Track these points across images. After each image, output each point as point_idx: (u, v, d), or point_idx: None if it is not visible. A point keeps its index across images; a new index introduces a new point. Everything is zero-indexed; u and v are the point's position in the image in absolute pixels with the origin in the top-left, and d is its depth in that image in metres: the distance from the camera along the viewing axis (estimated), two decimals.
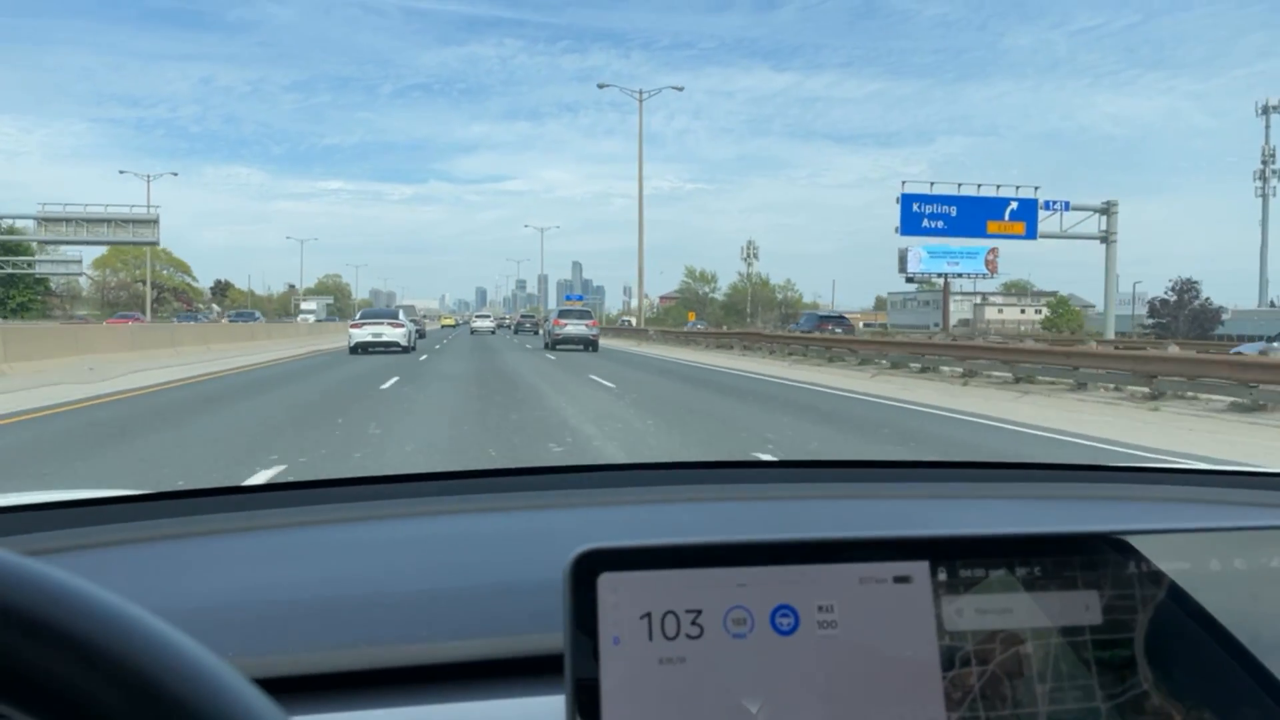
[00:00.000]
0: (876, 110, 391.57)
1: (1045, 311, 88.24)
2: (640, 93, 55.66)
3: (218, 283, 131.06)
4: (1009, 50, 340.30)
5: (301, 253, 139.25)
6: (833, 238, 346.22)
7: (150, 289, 78.67)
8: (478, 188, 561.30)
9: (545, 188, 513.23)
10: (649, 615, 0.49)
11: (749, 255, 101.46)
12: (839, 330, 38.83)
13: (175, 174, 76.27)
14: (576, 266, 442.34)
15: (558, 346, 32.50)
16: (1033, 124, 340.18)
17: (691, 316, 74.39)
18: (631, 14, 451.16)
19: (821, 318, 47.80)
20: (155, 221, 57.90)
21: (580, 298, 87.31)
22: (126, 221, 57.76)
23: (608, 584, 0.49)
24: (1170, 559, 0.56)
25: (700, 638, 0.50)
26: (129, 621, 0.36)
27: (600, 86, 59.53)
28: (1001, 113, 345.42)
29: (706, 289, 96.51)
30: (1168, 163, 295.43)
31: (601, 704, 0.48)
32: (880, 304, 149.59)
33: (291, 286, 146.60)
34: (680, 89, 73.35)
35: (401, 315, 29.69)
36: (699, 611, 0.50)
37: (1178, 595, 0.56)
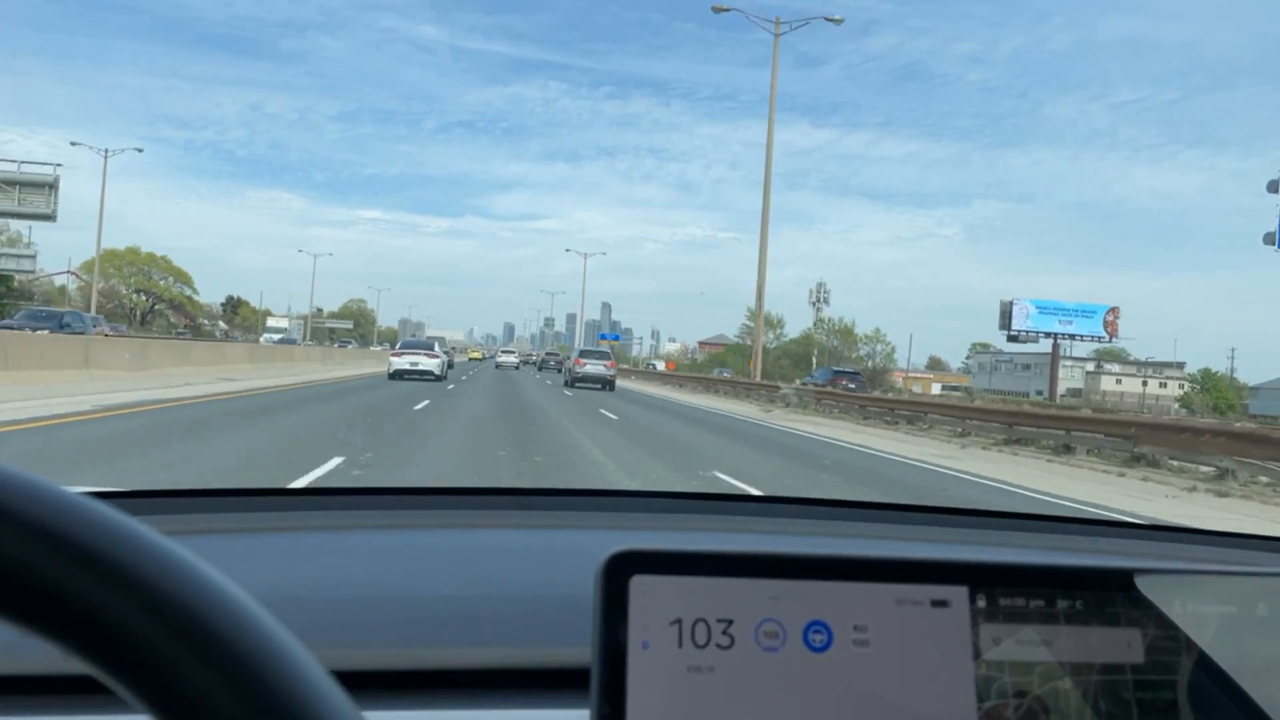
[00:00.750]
0: (913, 170, 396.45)
1: (1183, 385, 79.71)
2: (777, 21, 45.24)
3: (229, 299, 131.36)
4: (1048, 119, 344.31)
5: (314, 269, 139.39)
6: (864, 294, 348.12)
7: (142, 299, 72.92)
8: (512, 225, 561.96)
9: (578, 228, 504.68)
10: (679, 622, 0.49)
11: (818, 299, 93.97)
12: (852, 386, 40.36)
13: (140, 150, 68.07)
14: (606, 308, 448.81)
15: (577, 384, 34.57)
16: (1069, 192, 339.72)
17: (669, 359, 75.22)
18: (675, 63, 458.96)
19: (836, 372, 50.10)
20: (52, 186, 42.84)
21: (615, 337, 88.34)
22: (11, 184, 42.16)
23: (639, 587, 0.49)
24: (1217, 601, 0.55)
25: (731, 648, 0.49)
26: (226, 595, 0.37)
27: (716, 10, 41.73)
28: (1038, 180, 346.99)
29: (772, 335, 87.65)
30: (1205, 240, 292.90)
31: (627, 708, 0.48)
32: (935, 363, 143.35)
33: (320, 310, 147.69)
34: (839, 20, 45.94)
35: (436, 347, 33.28)
36: (730, 621, 0.50)
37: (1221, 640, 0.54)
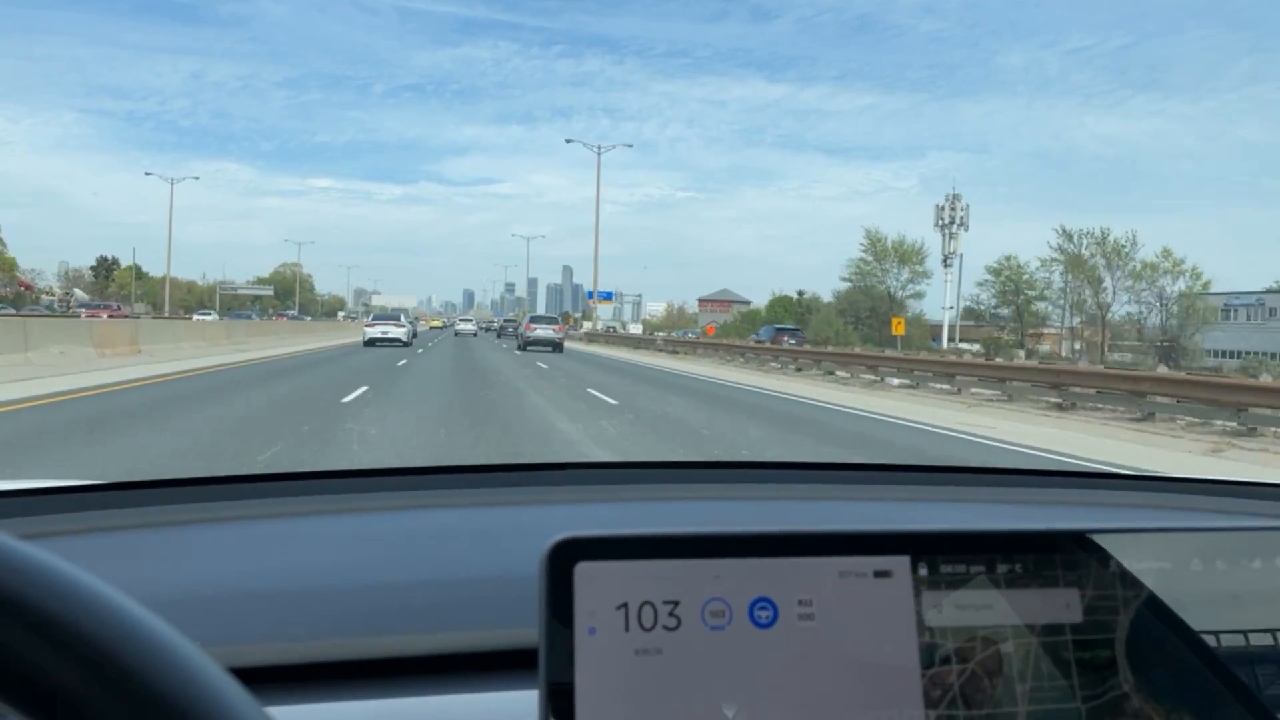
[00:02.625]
0: (868, 124, 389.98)
1: None
2: (599, 148, 64.24)
3: (101, 261, 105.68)
4: (1001, 68, 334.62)
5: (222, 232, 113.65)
6: (823, 250, 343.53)
7: None
8: (468, 190, 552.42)
9: (536, 192, 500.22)
10: (626, 606, 0.49)
11: (952, 220, 66.65)
12: (793, 341, 42.99)
13: (197, 178, 58.49)
14: (567, 271, 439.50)
15: (528, 347, 38.61)
16: (1023, 141, 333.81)
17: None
18: (627, 20, 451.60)
19: (778, 329, 52.42)
20: None
21: (608, 295, 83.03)
22: None
23: (584, 573, 0.49)
24: (1153, 559, 0.56)
25: (678, 629, 0.50)
26: (99, 600, 0.36)
27: (568, 141, 66.07)
28: (992, 130, 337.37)
29: (907, 273, 68.36)
30: (1156, 184, 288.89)
31: (576, 695, 0.48)
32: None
33: (259, 279, 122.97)
34: (630, 146, 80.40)
35: (403, 318, 42.27)
36: (676, 603, 0.50)
37: (1155, 598, 0.56)
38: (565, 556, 0.49)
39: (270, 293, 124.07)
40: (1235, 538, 0.58)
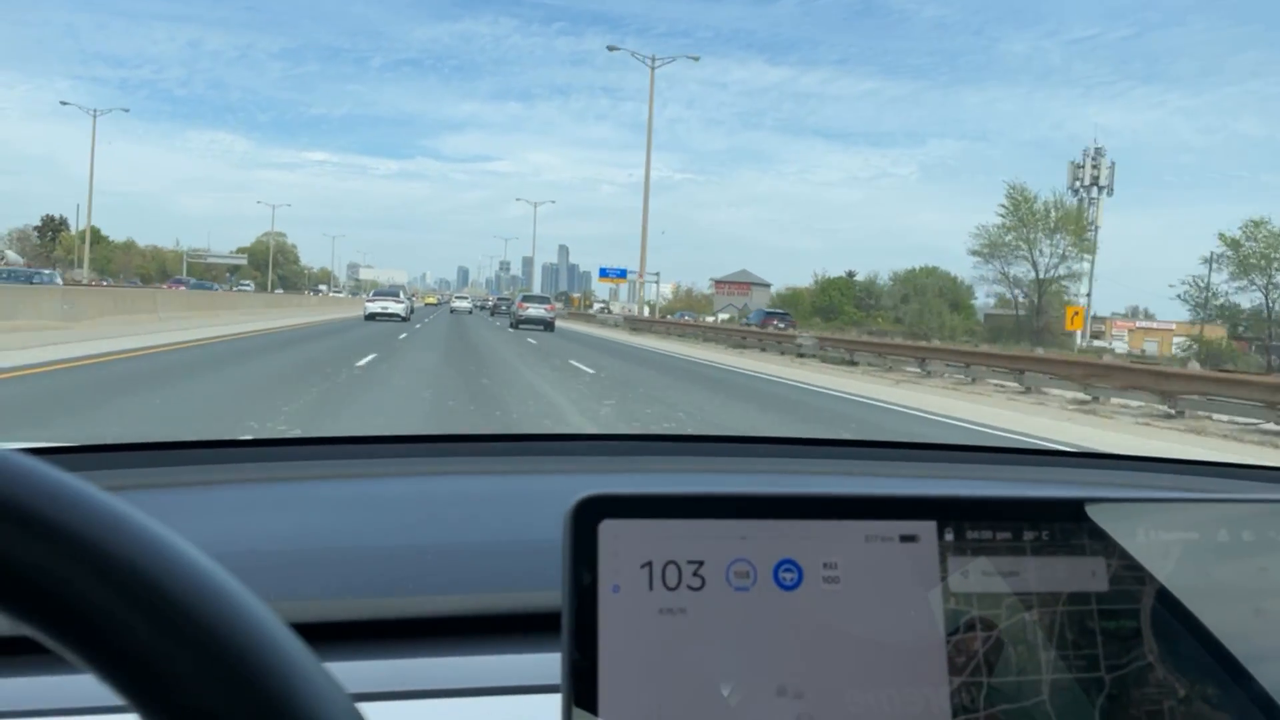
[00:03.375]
0: (869, 109, 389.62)
1: None
2: (653, 60, 55.75)
3: (47, 220, 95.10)
4: (1003, 56, 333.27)
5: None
6: (821, 234, 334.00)
7: None
8: (465, 167, 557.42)
9: (533, 170, 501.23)
10: (650, 565, 0.49)
11: (1093, 182, 53.13)
12: (782, 326, 42.88)
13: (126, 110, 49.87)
14: (563, 250, 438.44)
15: (520, 326, 39.52)
16: (1024, 131, 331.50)
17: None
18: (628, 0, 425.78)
19: (767, 314, 53.93)
20: None
21: (622, 273, 75.18)
22: None
23: (609, 531, 0.49)
24: (1179, 529, 0.57)
25: (702, 589, 0.49)
26: (170, 548, 0.36)
27: (611, 49, 57.02)
28: (993, 118, 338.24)
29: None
30: (1154, 176, 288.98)
31: (599, 652, 0.48)
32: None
33: (241, 249, 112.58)
34: (697, 58, 77.69)
35: (401, 294, 44.49)
36: (701, 563, 0.50)
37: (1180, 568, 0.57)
38: (590, 514, 0.49)
39: (244, 262, 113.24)
40: (1266, 509, 0.59)
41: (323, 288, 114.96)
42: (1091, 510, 0.56)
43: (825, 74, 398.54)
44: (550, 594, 0.52)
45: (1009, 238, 53.59)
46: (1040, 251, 52.00)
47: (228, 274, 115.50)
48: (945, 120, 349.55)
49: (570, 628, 0.48)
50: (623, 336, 37.73)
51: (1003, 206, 53.38)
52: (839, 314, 65.27)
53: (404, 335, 26.77)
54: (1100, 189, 53.11)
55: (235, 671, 0.35)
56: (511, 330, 36.81)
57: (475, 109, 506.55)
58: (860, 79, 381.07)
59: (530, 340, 27.79)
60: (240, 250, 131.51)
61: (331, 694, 0.38)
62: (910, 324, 46.37)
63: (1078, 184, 54.18)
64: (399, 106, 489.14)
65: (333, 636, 0.79)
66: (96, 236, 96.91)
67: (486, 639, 0.82)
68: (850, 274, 73.01)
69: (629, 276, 79.88)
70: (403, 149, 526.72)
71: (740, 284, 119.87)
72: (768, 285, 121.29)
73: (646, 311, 56.20)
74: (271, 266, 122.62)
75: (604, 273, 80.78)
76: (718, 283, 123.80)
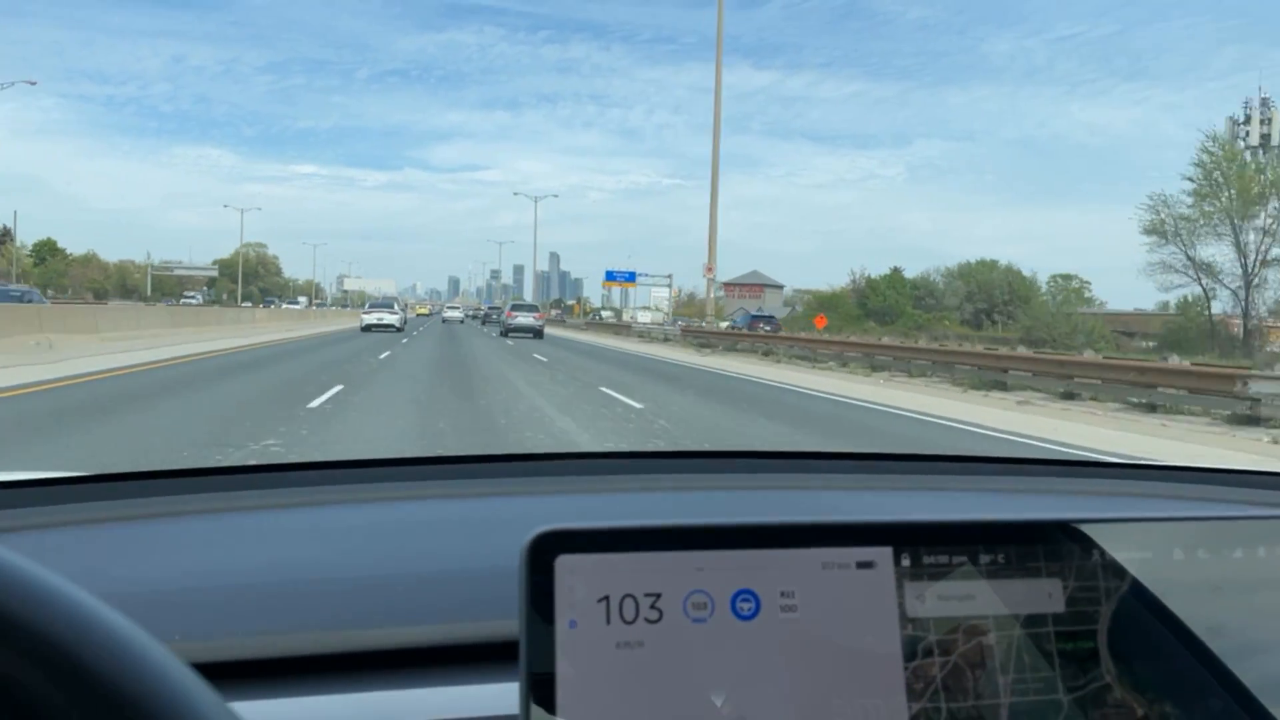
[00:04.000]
0: (855, 111, 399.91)
1: None
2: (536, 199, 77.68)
3: None
4: (987, 56, 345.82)
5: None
6: (811, 237, 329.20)
7: None
8: (453, 176, 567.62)
9: (521, 179, 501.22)
10: (607, 599, 0.49)
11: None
12: (767, 328, 44.37)
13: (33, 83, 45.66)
14: (554, 258, 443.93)
15: (510, 334, 41.05)
16: (1009, 129, 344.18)
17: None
18: (613, 6, 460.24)
19: (754, 317, 56.42)
20: None
21: (630, 276, 70.82)
22: None
23: (565, 566, 0.49)
24: (1134, 549, 0.57)
25: (659, 622, 0.50)
26: (54, 596, 0.36)
27: (515, 194, 75.45)
28: (978, 118, 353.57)
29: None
30: (1138, 173, 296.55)
31: (557, 688, 0.48)
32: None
33: (220, 261, 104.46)
34: (556, 196, 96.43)
35: (395, 306, 47.19)
36: (658, 595, 0.50)
37: (1139, 587, 0.57)
38: (546, 549, 0.49)
39: (215, 274, 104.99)
40: (1219, 526, 0.59)
41: (274, 300, 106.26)
42: (1049, 532, 0.56)
43: (811, 77, 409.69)
44: (511, 622, 0.52)
45: (1202, 210, 37.90)
46: (1247, 227, 36.82)
47: (205, 287, 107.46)
48: (931, 121, 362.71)
49: (527, 664, 0.48)
50: (706, 361, 27.26)
51: (1199, 164, 38.60)
52: (899, 316, 57.61)
53: (385, 354, 23.60)
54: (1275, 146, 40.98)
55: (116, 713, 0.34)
56: (499, 339, 37.74)
57: (462, 118, 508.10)
58: (846, 81, 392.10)
59: (557, 384, 16.82)
60: (217, 262, 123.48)
61: None
62: (1027, 328, 38.52)
63: (1239, 139, 43.93)
64: (386, 118, 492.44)
65: (299, 670, 0.78)
66: (52, 249, 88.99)
67: (448, 669, 0.82)
68: (896, 270, 65.32)
69: (639, 280, 72.45)
70: (391, 160, 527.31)
71: (752, 285, 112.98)
72: (780, 286, 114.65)
73: (712, 321, 47.27)
74: (241, 279, 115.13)
75: (611, 275, 73.38)
76: (727, 285, 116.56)
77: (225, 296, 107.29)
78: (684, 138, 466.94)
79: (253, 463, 3.57)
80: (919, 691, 0.53)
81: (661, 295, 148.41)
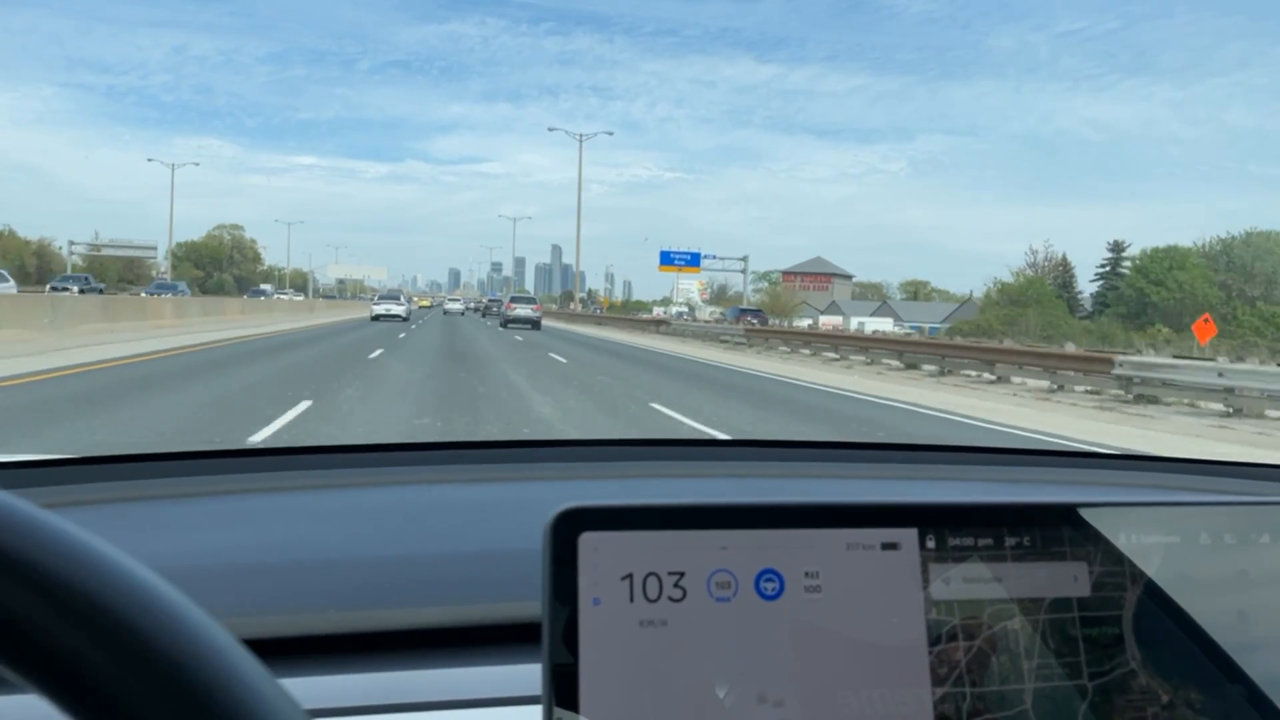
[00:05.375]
0: (858, 105, 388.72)
1: None
2: (580, 136, 66.97)
3: None
4: (991, 50, 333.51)
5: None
6: (813, 232, 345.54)
7: None
8: (455, 169, 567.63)
9: (523, 171, 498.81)
10: (630, 577, 0.49)
11: None
12: (755, 322, 44.99)
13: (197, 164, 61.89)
14: (556, 250, 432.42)
15: (509, 325, 43.11)
16: (1012, 124, 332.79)
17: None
18: None
19: (742, 311, 56.85)
20: None
21: (695, 260, 58.53)
22: None
23: (589, 543, 0.49)
24: (1162, 532, 0.57)
25: (683, 600, 0.49)
26: (114, 566, 0.36)
27: (550, 129, 78.34)
28: (982, 113, 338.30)
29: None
30: (1143, 169, 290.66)
31: (580, 665, 0.48)
32: None
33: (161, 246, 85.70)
34: (611, 133, 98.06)
35: (401, 297, 54.39)
36: (682, 574, 0.50)
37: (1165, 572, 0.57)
38: (569, 527, 0.49)
39: (154, 255, 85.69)
40: (1245, 512, 0.59)
41: (264, 291, 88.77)
42: (1074, 515, 0.56)
43: (814, 71, 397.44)
44: (533, 604, 0.53)
45: None
46: None
47: (157, 274, 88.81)
48: (934, 115, 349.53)
49: (551, 642, 0.48)
50: (884, 391, 17.56)
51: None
52: (1198, 308, 39.86)
53: (378, 353, 21.34)
54: None
55: (183, 690, 0.35)
56: (499, 329, 38.63)
57: (464, 111, 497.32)
58: (849, 75, 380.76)
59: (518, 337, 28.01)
60: (183, 245, 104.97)
61: (286, 711, 0.37)
62: None
63: None
64: (387, 109, 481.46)
65: (316, 650, 0.79)
66: None
67: (471, 650, 0.82)
68: (1118, 244, 47.26)
69: (704, 263, 54.53)
70: (392, 152, 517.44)
71: (817, 276, 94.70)
72: (849, 276, 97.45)
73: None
74: (265, 270, 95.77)
75: (667, 259, 55.49)
76: (787, 274, 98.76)
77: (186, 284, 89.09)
78: (686, 131, 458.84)
79: (274, 445, 3.50)
80: (943, 676, 0.52)
81: (687, 286, 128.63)
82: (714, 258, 56.49)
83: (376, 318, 46.27)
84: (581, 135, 65.84)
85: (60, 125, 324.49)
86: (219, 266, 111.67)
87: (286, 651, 0.77)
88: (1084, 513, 0.56)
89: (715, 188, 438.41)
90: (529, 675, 0.55)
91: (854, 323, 66.20)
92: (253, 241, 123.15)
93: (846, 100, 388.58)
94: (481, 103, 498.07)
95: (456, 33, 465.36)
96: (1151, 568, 0.56)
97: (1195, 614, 0.56)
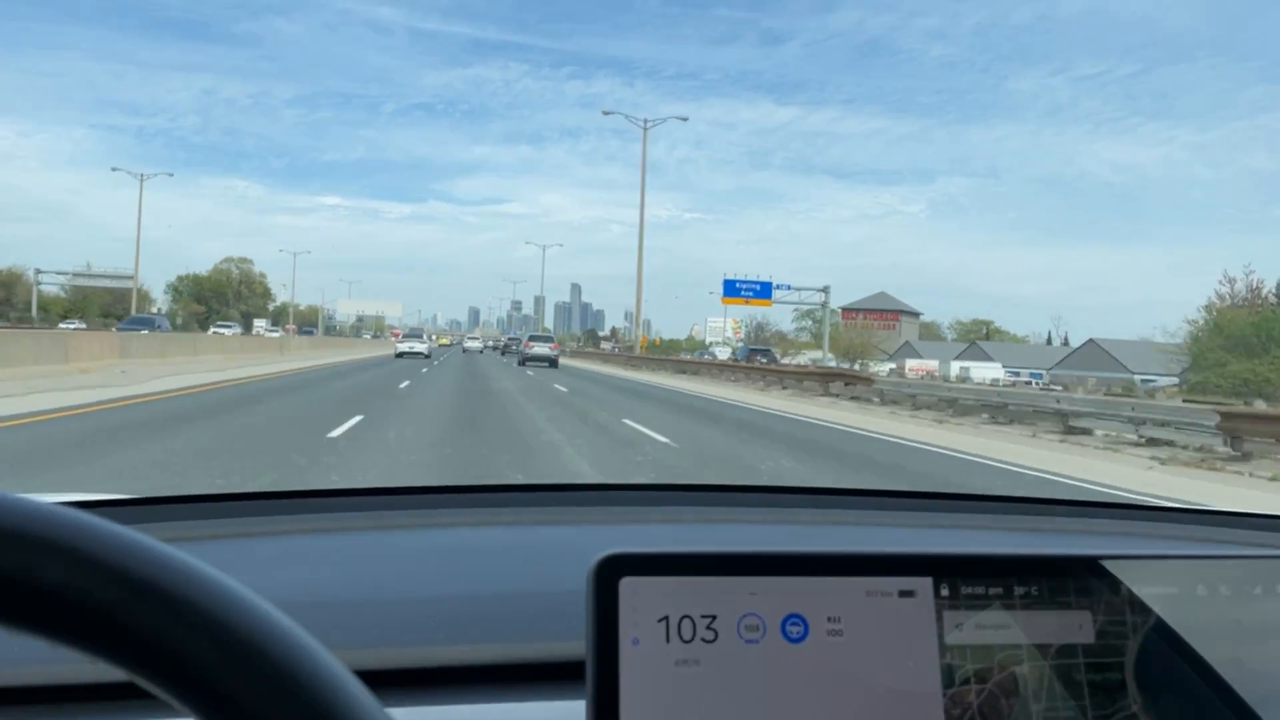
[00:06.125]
0: (878, 147, 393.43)
1: None
2: (645, 121, 57.89)
3: None
4: (1011, 93, 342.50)
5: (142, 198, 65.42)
6: (827, 274, 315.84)
7: None
8: (476, 209, 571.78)
9: (543, 212, 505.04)
10: (666, 619, 0.52)
11: None
12: (764, 360, 45.81)
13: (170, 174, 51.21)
14: (575, 289, 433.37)
15: (527, 363, 44.39)
16: (1032, 167, 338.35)
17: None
18: (637, 43, 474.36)
19: (753, 350, 56.86)
20: None
21: (551, 339, 54.82)
22: None
23: (629, 587, 0.52)
24: (1160, 584, 0.60)
25: (715, 642, 0.53)
26: (244, 601, 0.39)
27: (605, 113, 64.47)
28: (1001, 155, 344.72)
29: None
30: (1164, 212, 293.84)
31: (620, 701, 0.51)
32: None
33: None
34: (685, 119, 73.28)
35: (424, 336, 57.71)
36: (714, 617, 0.53)
37: (1163, 622, 0.60)
38: (611, 572, 0.52)
39: (130, 286, 76.37)
40: (1241, 565, 0.62)
41: (261, 325, 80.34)
42: (1079, 567, 0.58)
43: (833, 113, 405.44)
44: (574, 643, 0.55)
45: None
46: None
47: (154, 310, 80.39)
48: (954, 158, 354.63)
49: (594, 680, 0.51)
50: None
51: None
52: None
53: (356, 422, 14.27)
54: None
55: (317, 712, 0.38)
56: (516, 367, 40.02)
57: (486, 152, 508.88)
58: (868, 118, 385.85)
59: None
60: (184, 278, 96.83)
61: None
62: None
63: None
64: (411, 151, 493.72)
65: (369, 685, 0.87)
66: None
67: (515, 687, 0.85)
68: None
69: (776, 294, 45.27)
70: (415, 192, 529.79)
71: (883, 313, 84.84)
72: (917, 314, 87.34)
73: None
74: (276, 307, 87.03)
75: (732, 290, 46.16)
76: (848, 311, 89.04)
77: (182, 320, 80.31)
78: (705, 172, 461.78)
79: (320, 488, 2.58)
80: (956, 718, 0.55)
81: (718, 324, 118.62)
82: (787, 287, 47.53)
83: (400, 355, 49.76)
84: (646, 121, 57.15)
85: (89, 165, 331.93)
86: (225, 301, 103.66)
87: None
88: (1088, 566, 0.59)
89: (734, 228, 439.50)
90: (572, 713, 0.59)
91: (954, 368, 56.99)
92: (262, 276, 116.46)
93: (866, 142, 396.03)
94: (503, 144, 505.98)
95: (480, 76, 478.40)
96: (1152, 618, 0.59)
97: (1193, 663, 0.59)
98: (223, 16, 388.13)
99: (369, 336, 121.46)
